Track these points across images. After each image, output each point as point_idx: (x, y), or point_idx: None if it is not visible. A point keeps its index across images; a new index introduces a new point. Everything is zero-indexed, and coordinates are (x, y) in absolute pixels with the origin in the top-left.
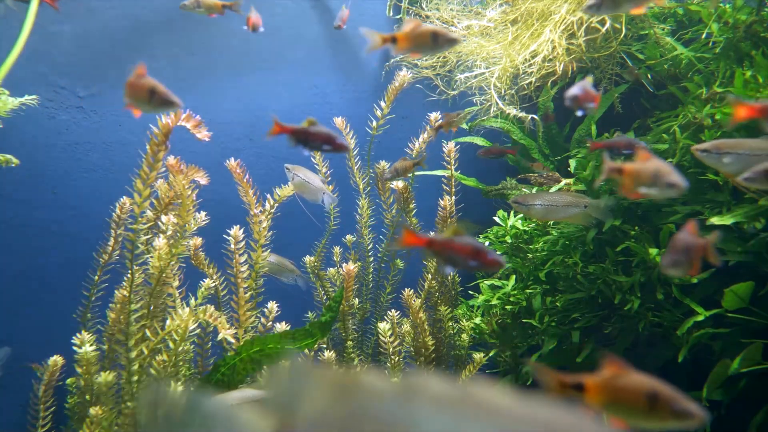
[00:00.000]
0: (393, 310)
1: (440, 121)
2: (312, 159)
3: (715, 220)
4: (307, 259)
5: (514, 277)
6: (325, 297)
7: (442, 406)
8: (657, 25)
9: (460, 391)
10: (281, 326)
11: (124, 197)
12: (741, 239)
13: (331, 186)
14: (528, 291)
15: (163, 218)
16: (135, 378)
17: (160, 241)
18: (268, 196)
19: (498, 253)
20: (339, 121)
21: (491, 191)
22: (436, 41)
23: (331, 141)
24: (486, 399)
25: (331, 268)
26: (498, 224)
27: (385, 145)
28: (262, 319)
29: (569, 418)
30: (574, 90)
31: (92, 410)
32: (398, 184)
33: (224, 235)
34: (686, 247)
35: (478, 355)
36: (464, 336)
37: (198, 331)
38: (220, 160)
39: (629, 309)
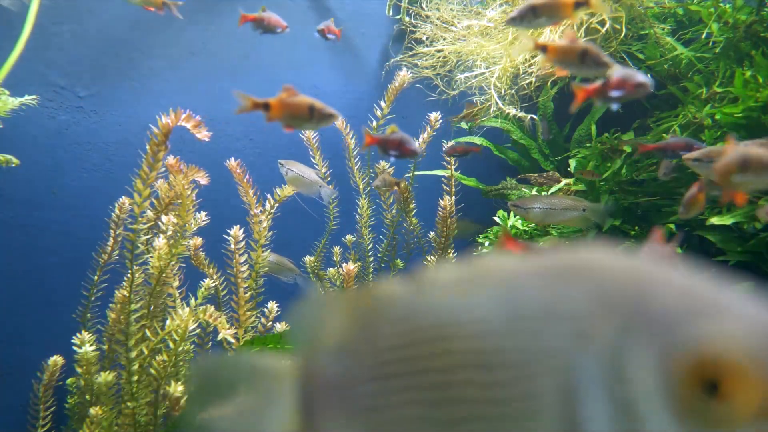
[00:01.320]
0: None
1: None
2: (312, 159)
3: (715, 220)
4: (307, 258)
5: None
6: None
7: (452, 286)
8: (657, 25)
9: (468, 267)
10: (281, 326)
11: (124, 197)
12: (741, 239)
13: (331, 185)
14: None
15: (163, 218)
16: (135, 378)
17: (160, 241)
18: (268, 196)
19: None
20: (339, 121)
21: (491, 191)
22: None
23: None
24: (494, 266)
25: (331, 268)
26: (498, 224)
27: None
28: (262, 319)
29: (586, 257)
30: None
31: (92, 410)
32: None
33: (224, 235)
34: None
35: None
36: None
37: (198, 331)
38: (220, 160)
39: None
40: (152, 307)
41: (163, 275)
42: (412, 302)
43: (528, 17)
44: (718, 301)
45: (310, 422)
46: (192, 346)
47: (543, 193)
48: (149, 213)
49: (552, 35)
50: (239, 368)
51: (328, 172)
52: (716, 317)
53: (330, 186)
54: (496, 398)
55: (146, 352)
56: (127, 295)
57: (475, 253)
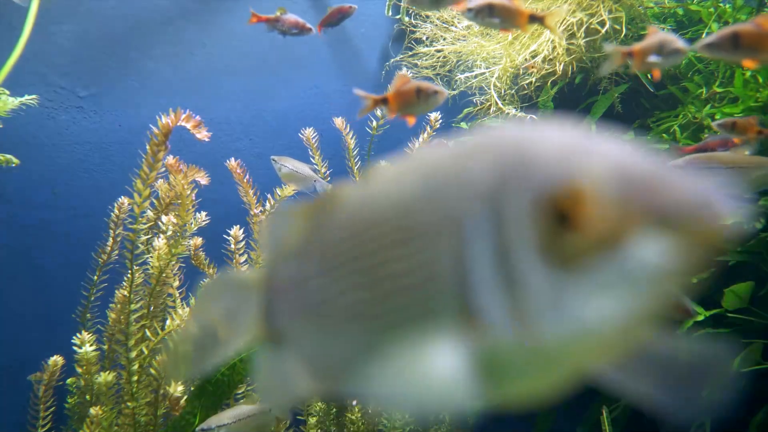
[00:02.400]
0: None
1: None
2: (311, 159)
3: None
4: None
5: None
6: None
7: (388, 179)
8: (657, 25)
9: (404, 161)
10: None
11: (123, 197)
12: (741, 239)
13: (331, 184)
14: None
15: (163, 218)
16: (135, 378)
17: (159, 241)
18: (269, 195)
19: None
20: (339, 121)
21: None
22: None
23: None
24: (422, 155)
25: None
26: None
27: (385, 145)
28: None
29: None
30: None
31: (92, 410)
32: None
33: (224, 235)
34: None
35: None
36: None
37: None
38: (220, 160)
39: None
40: (152, 307)
41: (163, 275)
42: (354, 199)
43: (483, 14)
44: (584, 146)
45: (272, 322)
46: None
47: None
48: (149, 213)
49: (552, 35)
50: (226, 283)
51: (328, 171)
52: (576, 158)
53: (325, 180)
54: (412, 267)
55: (146, 352)
56: (127, 295)
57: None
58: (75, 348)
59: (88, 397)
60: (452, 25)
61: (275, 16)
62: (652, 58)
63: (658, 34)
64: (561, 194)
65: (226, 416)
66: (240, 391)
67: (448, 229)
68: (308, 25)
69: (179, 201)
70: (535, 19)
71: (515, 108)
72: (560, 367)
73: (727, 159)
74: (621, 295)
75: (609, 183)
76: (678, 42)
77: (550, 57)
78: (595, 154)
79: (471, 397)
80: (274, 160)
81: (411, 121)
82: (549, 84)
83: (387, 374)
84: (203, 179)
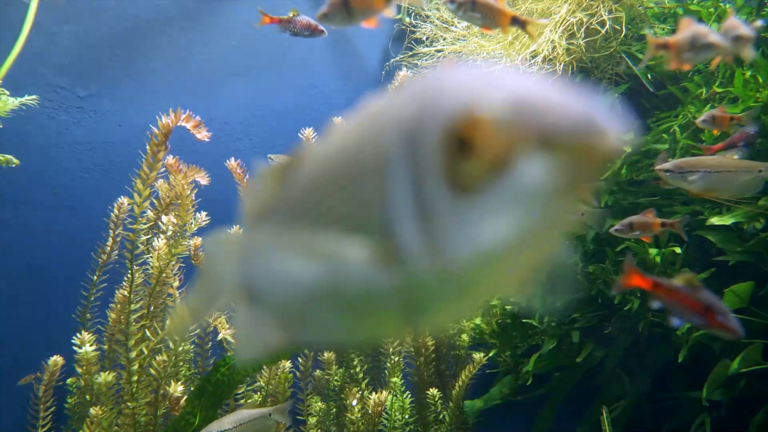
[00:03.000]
0: None
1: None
2: None
3: (714, 220)
4: None
5: None
6: None
7: (341, 128)
8: (657, 25)
9: (351, 119)
10: None
11: (123, 197)
12: (741, 239)
13: None
14: None
15: (164, 218)
16: (135, 378)
17: (159, 241)
18: None
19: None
20: (339, 121)
21: None
22: None
23: None
24: (364, 112)
25: None
26: None
27: None
28: None
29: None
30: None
31: (92, 410)
32: None
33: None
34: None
35: (478, 355)
36: (464, 336)
37: (198, 331)
38: (220, 160)
39: (629, 309)
40: (152, 307)
41: (163, 275)
42: (312, 155)
43: (466, 7)
44: (487, 80)
45: (245, 280)
46: (192, 346)
47: None
48: (149, 213)
49: (552, 35)
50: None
51: None
52: (477, 89)
53: None
54: (353, 209)
55: (146, 352)
56: (127, 295)
57: None
58: (75, 348)
59: (88, 397)
60: (452, 25)
61: (288, 17)
62: (688, 55)
63: (692, 27)
64: (461, 122)
65: (226, 421)
66: (240, 391)
67: (378, 166)
68: (321, 27)
69: (179, 201)
70: (518, 21)
71: None
72: (470, 290)
73: (715, 163)
74: (515, 215)
75: (501, 109)
76: (711, 35)
77: (550, 57)
78: (495, 85)
79: (399, 322)
80: (271, 158)
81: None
82: None
83: (336, 312)
84: (203, 179)
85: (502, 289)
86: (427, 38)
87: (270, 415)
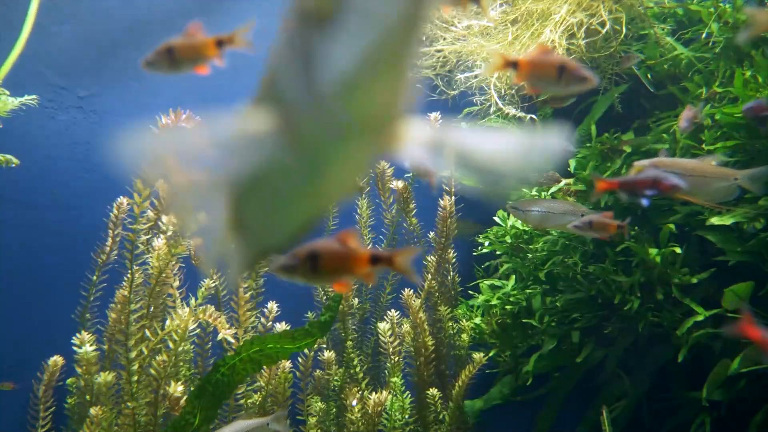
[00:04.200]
0: (393, 310)
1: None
2: None
3: (714, 221)
4: None
5: (513, 277)
6: (324, 297)
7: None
8: (657, 25)
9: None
10: (281, 326)
11: (122, 197)
12: (741, 239)
13: None
14: (528, 291)
15: (164, 218)
16: (135, 378)
17: (159, 241)
18: None
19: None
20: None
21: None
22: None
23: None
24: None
25: None
26: (498, 224)
27: None
28: (262, 319)
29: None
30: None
31: (92, 410)
32: (398, 184)
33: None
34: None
35: (478, 355)
36: (464, 336)
37: (198, 331)
38: None
39: (629, 309)
40: (152, 307)
41: (163, 275)
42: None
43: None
44: None
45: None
46: (192, 346)
47: (543, 194)
48: (149, 213)
49: (552, 35)
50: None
51: None
52: None
53: None
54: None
55: (146, 352)
56: (127, 295)
57: (474, 253)
58: (75, 348)
59: (88, 397)
60: (452, 25)
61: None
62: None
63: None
64: None
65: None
66: (240, 391)
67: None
68: None
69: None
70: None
71: (515, 108)
72: (350, 133)
73: (691, 167)
74: (367, 37)
75: None
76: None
77: None
78: None
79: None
80: None
81: (533, 91)
82: None
83: (263, 201)
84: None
85: (375, 129)
86: (426, 38)
87: (268, 425)
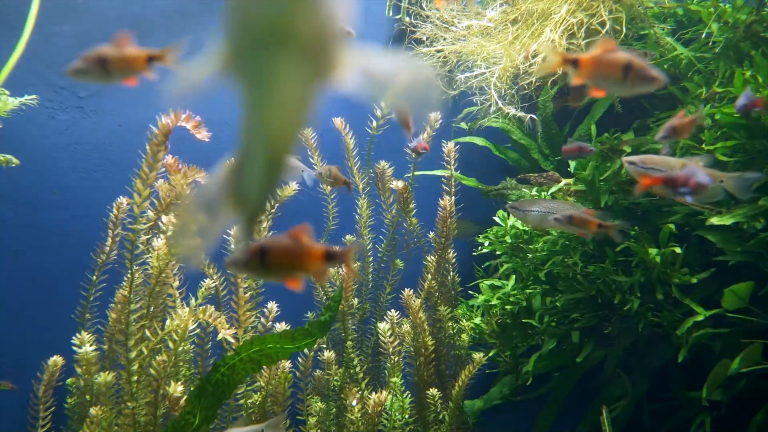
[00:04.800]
0: (393, 310)
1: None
2: (310, 159)
3: (714, 221)
4: None
5: (513, 277)
6: (324, 297)
7: None
8: (657, 25)
9: None
10: (281, 326)
11: (122, 197)
12: (741, 239)
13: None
14: (528, 291)
15: (164, 218)
16: (135, 378)
17: (159, 241)
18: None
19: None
20: (338, 121)
21: (491, 191)
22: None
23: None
24: None
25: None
26: (498, 224)
27: (385, 145)
28: (262, 319)
29: None
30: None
31: (92, 410)
32: (398, 184)
33: (224, 235)
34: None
35: (477, 355)
36: (464, 336)
37: (198, 331)
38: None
39: (629, 309)
40: (152, 307)
41: (163, 275)
42: None
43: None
44: None
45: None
46: (192, 346)
47: (543, 194)
48: (149, 213)
49: (552, 35)
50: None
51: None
52: None
53: (312, 170)
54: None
55: (146, 352)
56: (127, 295)
57: (474, 253)
58: (75, 348)
59: (88, 397)
60: (452, 25)
61: None
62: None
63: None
64: None
65: None
66: (240, 391)
67: None
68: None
69: (179, 201)
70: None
71: (515, 108)
72: (288, 47)
73: (677, 166)
74: None
75: None
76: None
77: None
78: None
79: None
80: None
81: (597, 94)
82: (549, 84)
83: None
84: (203, 179)
85: (311, 48)
86: (427, 38)
87: (263, 430)
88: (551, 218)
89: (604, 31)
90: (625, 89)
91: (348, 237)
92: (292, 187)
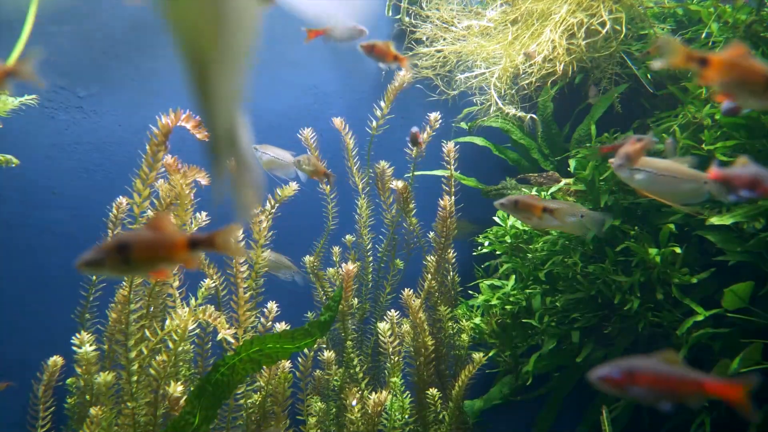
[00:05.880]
0: (392, 310)
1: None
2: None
3: (714, 220)
4: (307, 258)
5: (513, 277)
6: (324, 297)
7: None
8: (657, 25)
9: None
10: (281, 326)
11: (121, 197)
12: (741, 239)
13: (327, 186)
14: (528, 291)
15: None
16: (134, 378)
17: None
18: (269, 195)
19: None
20: (338, 121)
21: (491, 191)
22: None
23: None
24: None
25: (331, 268)
26: (498, 224)
27: (385, 145)
28: (262, 319)
29: None
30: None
31: (92, 410)
32: (398, 184)
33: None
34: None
35: (477, 355)
36: (464, 336)
37: (198, 331)
38: None
39: (629, 309)
40: (152, 307)
41: None
42: None
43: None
44: None
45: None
46: (192, 346)
47: (543, 194)
48: (149, 213)
49: (552, 35)
50: None
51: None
52: None
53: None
54: None
55: (146, 352)
56: (127, 295)
57: (474, 253)
58: (75, 348)
59: (88, 397)
60: (452, 25)
61: (329, 27)
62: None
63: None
64: None
65: None
66: (240, 391)
67: None
68: (360, 27)
69: (179, 201)
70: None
71: (515, 108)
72: None
73: (662, 167)
74: None
75: None
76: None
77: (550, 57)
78: None
79: None
80: (255, 148)
81: (724, 98)
82: (549, 84)
83: None
84: (204, 179)
85: None
86: (427, 38)
87: None
88: (496, 203)
89: (604, 31)
90: (762, 102)
91: (347, 237)
92: (292, 187)
